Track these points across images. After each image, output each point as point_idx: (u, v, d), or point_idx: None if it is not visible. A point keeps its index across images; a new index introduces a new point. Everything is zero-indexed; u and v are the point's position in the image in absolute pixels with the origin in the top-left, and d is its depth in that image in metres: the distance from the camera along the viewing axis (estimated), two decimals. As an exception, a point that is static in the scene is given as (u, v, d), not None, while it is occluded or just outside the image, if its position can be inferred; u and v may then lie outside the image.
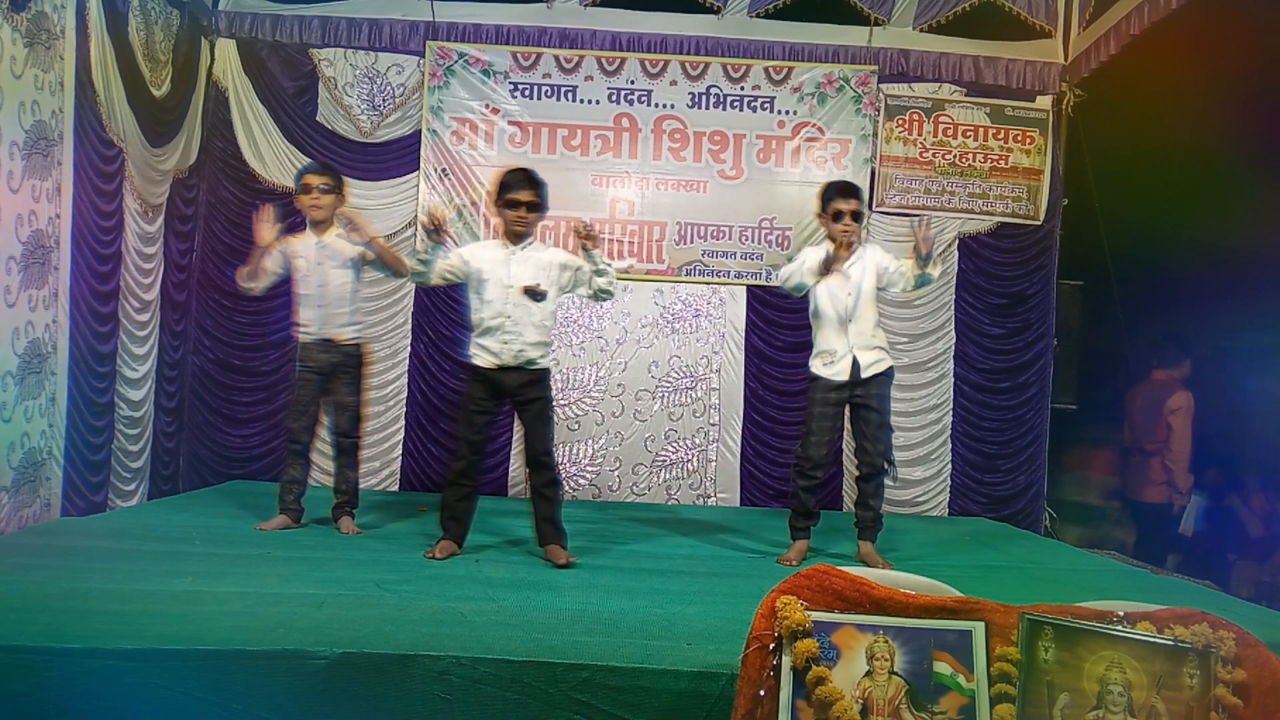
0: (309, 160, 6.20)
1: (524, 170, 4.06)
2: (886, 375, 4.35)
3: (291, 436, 4.55)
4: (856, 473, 4.48)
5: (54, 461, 4.57)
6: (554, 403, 4.42)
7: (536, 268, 4.01)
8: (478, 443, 4.06)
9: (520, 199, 3.96)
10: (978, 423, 6.48)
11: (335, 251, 4.46)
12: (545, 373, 4.08)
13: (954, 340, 6.48)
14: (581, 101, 6.36)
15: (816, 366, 4.36)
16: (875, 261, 4.31)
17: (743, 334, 6.41)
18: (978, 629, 1.87)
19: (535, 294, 3.96)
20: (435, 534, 4.11)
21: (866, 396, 4.29)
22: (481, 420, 4.03)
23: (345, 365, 4.50)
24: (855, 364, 4.25)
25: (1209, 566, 5.46)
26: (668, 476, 6.42)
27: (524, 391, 4.00)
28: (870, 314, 4.31)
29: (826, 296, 4.30)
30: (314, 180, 4.43)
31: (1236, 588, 5.03)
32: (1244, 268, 4.75)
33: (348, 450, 4.55)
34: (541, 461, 4.04)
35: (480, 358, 4.01)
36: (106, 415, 5.08)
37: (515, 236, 4.02)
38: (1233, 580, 5.21)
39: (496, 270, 3.98)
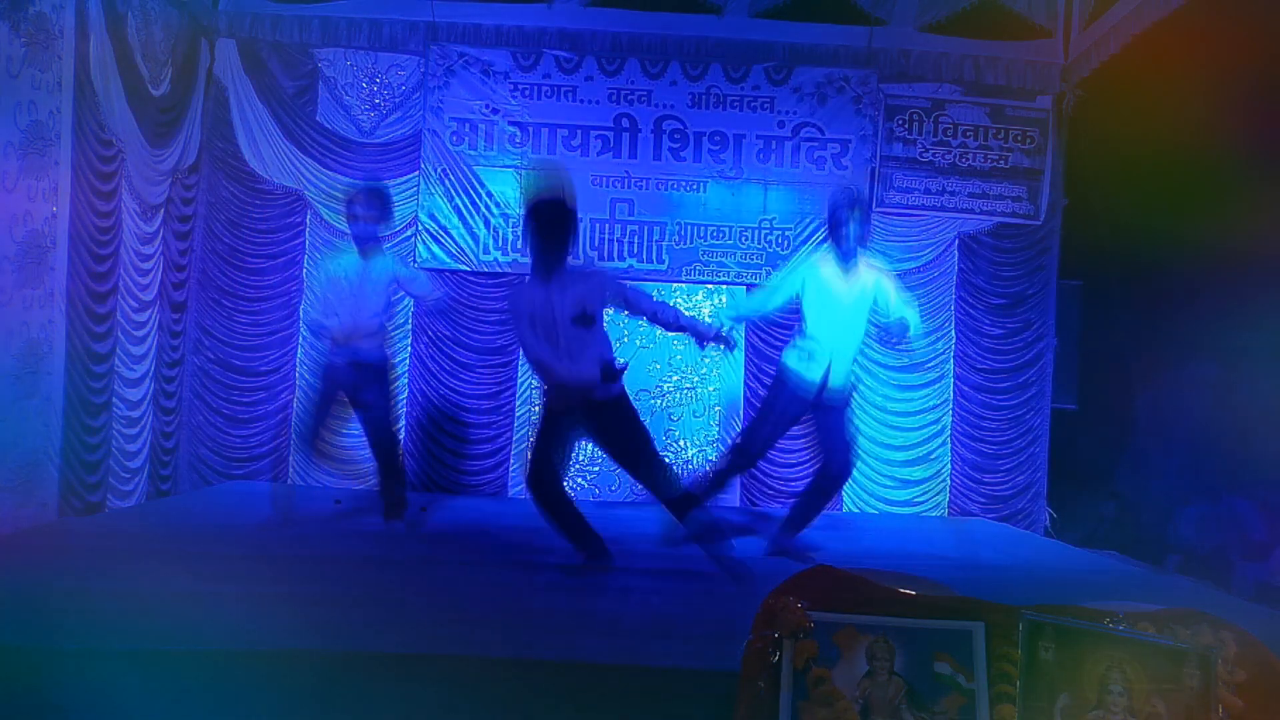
0: (309, 159, 6.23)
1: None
2: (848, 397, 4.51)
3: (305, 440, 4.70)
4: (821, 475, 4.51)
5: (50, 462, 4.55)
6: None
7: None
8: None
9: None
10: (978, 423, 6.48)
11: (377, 275, 4.57)
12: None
13: (954, 340, 6.49)
14: (581, 101, 6.35)
15: (793, 359, 4.40)
16: (879, 288, 4.38)
17: (743, 334, 6.41)
18: (978, 629, 1.87)
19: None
20: (434, 533, 4.11)
21: (832, 406, 4.38)
22: None
23: (370, 380, 4.57)
24: (828, 374, 4.32)
25: (1209, 567, 5.45)
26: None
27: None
28: (860, 334, 4.42)
29: (827, 305, 4.34)
30: (360, 211, 4.55)
31: (1237, 588, 5.02)
32: (1245, 268, 4.74)
33: (386, 460, 4.64)
34: None
35: None
36: (103, 415, 5.07)
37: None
38: (1233, 580, 5.20)
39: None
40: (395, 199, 6.26)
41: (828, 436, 4.41)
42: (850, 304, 4.34)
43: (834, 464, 4.41)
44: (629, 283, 4.03)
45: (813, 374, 4.32)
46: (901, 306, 4.39)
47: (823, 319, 4.33)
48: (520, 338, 3.93)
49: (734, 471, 4.52)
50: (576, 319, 3.74)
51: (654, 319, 3.97)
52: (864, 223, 4.33)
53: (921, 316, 6.33)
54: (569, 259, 3.84)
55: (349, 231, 4.68)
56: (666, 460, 4.02)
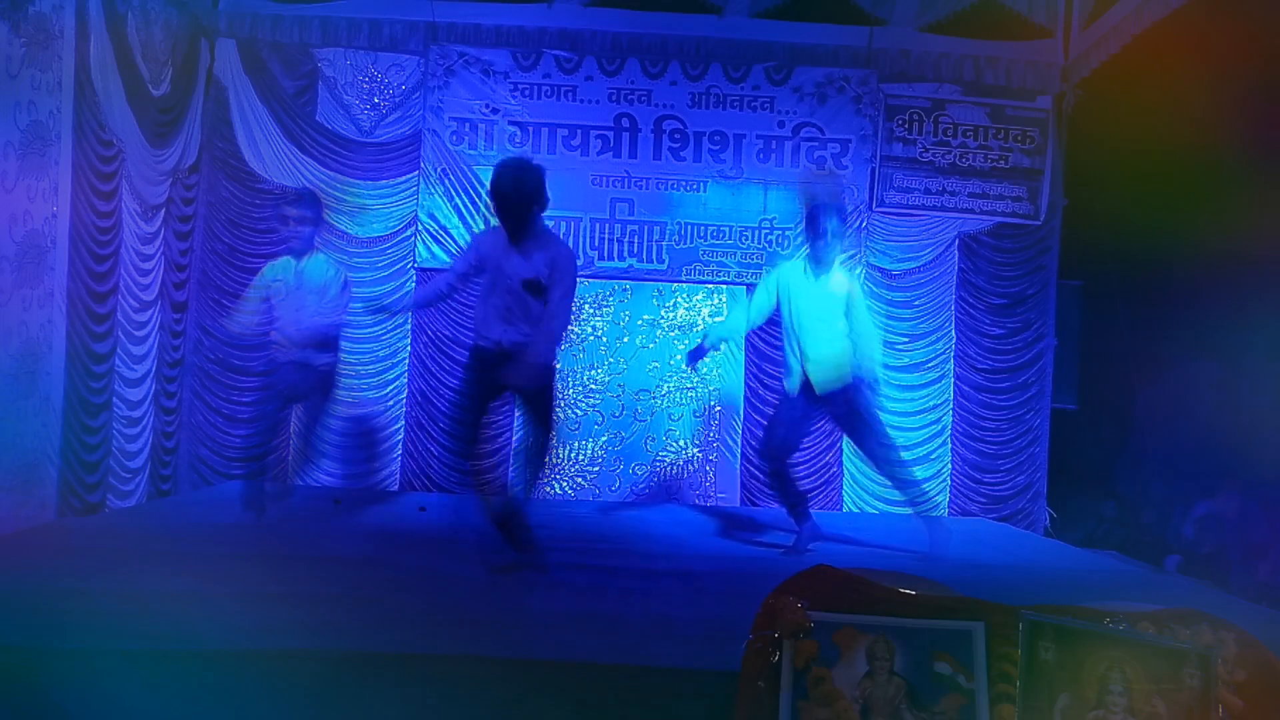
0: (309, 159, 6.23)
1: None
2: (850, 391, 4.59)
3: (259, 446, 4.77)
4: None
5: (49, 462, 4.55)
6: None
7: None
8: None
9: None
10: (978, 423, 6.48)
11: (313, 276, 4.62)
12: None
13: (954, 340, 6.49)
14: (581, 101, 6.35)
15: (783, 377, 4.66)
16: (850, 291, 4.49)
17: (742, 336, 6.40)
18: (978, 629, 1.87)
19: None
20: (433, 534, 4.11)
21: (838, 400, 4.50)
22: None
23: (317, 386, 4.67)
24: (807, 376, 4.47)
25: (1209, 567, 5.44)
26: (668, 476, 6.41)
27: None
28: (833, 329, 4.47)
29: (794, 309, 4.51)
30: (291, 212, 4.66)
31: (1237, 588, 5.02)
32: (1245, 268, 4.74)
33: (312, 456, 4.87)
34: None
35: None
36: (103, 415, 5.06)
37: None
38: (1233, 580, 5.20)
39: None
40: (392, 199, 6.32)
41: (846, 429, 4.62)
42: (818, 305, 4.43)
43: (865, 451, 4.65)
44: (567, 298, 3.76)
45: (792, 385, 4.51)
46: (866, 321, 4.49)
47: (789, 323, 4.47)
48: (458, 268, 3.93)
49: (777, 481, 4.71)
50: (527, 284, 3.68)
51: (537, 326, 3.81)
52: (841, 225, 4.43)
53: (921, 316, 6.43)
54: (537, 222, 3.76)
55: (284, 235, 4.77)
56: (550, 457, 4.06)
